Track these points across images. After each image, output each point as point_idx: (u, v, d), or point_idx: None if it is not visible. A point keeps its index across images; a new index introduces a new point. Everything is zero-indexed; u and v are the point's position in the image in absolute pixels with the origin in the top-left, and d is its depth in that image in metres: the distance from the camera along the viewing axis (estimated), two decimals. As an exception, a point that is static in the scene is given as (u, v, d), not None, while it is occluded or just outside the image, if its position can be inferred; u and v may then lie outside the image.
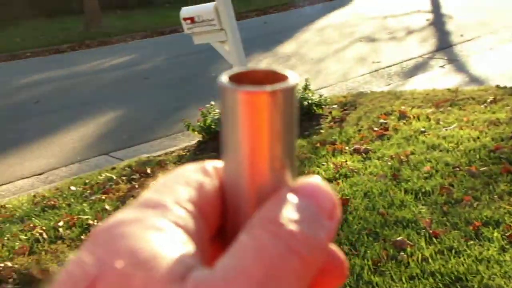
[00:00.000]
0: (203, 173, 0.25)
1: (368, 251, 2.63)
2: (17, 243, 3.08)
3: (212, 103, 4.64)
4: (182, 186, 0.24)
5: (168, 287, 0.19)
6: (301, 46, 9.33)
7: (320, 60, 8.00)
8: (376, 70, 6.83)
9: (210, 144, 4.46)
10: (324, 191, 0.24)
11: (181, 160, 4.20)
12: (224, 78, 0.22)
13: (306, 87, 4.94)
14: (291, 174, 0.24)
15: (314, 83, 6.33)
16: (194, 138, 4.70)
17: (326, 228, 0.23)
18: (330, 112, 4.95)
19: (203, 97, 6.01)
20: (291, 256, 0.21)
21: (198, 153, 4.38)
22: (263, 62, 8.32)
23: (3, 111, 6.81)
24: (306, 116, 4.78)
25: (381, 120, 4.50)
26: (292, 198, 0.23)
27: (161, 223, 0.21)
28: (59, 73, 9.25)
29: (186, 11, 4.56)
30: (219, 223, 0.25)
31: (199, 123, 4.52)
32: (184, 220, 0.22)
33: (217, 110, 4.55)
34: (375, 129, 4.31)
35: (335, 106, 5.17)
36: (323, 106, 4.97)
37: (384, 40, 8.71)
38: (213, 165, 0.26)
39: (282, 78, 0.23)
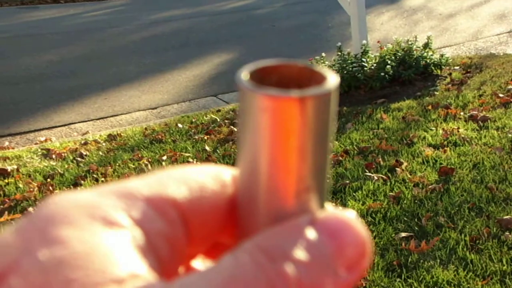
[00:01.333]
0: (214, 178, 0.21)
1: (467, 226, 2.45)
2: (126, 170, 3.35)
3: (323, 54, 4.51)
4: (176, 182, 0.20)
5: None
6: (431, -2, 8.61)
7: (449, 16, 7.33)
8: (515, 30, 6.11)
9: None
10: (353, 232, 0.18)
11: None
12: (244, 73, 0.18)
13: (426, 45, 4.58)
14: (319, 200, 0.19)
15: (438, 40, 5.86)
16: (300, 88, 4.64)
17: (339, 280, 0.18)
18: (450, 74, 4.56)
19: (314, 47, 5.89)
20: None
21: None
22: (385, 15, 7.84)
23: (131, 44, 7.29)
24: (421, 76, 4.47)
25: (510, 86, 4.05)
26: (307, 230, 0.18)
27: (116, 216, 0.18)
28: (184, 12, 9.61)
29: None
30: (214, 237, 0.21)
31: (307, 73, 4.44)
32: (151, 220, 0.19)
33: (326, 63, 4.43)
34: (500, 95, 3.90)
35: (457, 67, 4.75)
36: (442, 67, 4.59)
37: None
38: (233, 173, 0.22)
39: (319, 79, 0.18)
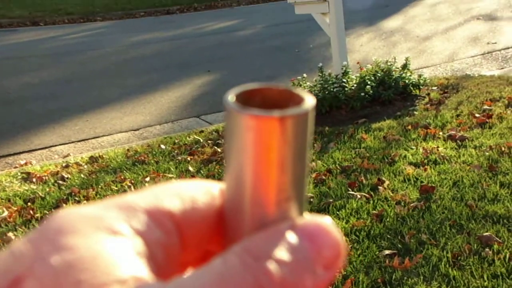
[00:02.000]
0: (204, 192, 0.23)
1: (449, 243, 2.48)
2: (108, 193, 3.32)
3: (304, 75, 4.58)
4: (170, 196, 0.22)
5: None
6: (407, 21, 8.83)
7: (426, 38, 7.53)
8: (489, 52, 6.29)
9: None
10: (329, 235, 0.20)
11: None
12: (230, 96, 0.20)
13: (405, 66, 4.69)
14: (298, 208, 0.21)
15: (416, 62, 6.00)
16: (282, 109, 4.68)
17: (317, 278, 0.20)
18: (428, 94, 4.67)
19: (296, 67, 5.97)
20: None
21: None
22: (364, 37, 8.01)
23: (112, 66, 7.29)
24: (400, 96, 4.56)
25: (485, 107, 4.16)
26: (288, 235, 0.20)
27: (119, 226, 0.20)
28: (165, 34, 9.67)
29: (290, -20, 4.55)
30: (204, 246, 0.23)
31: (288, 93, 4.49)
32: (149, 230, 0.21)
33: (308, 83, 4.49)
34: (477, 115, 3.99)
35: (435, 88, 4.86)
36: (421, 87, 4.69)
37: (506, 19, 7.97)
38: (221, 188, 0.24)
39: (297, 100, 0.20)
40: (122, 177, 3.51)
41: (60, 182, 3.54)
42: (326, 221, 0.21)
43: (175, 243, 0.22)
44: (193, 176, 3.42)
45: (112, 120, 5.09)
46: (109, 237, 0.19)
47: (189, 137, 4.20)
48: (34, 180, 3.60)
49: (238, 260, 0.19)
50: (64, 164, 3.87)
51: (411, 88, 4.64)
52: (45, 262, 0.18)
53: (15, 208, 3.14)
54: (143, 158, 3.84)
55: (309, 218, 0.21)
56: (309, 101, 0.20)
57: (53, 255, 0.18)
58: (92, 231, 0.19)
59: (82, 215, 0.20)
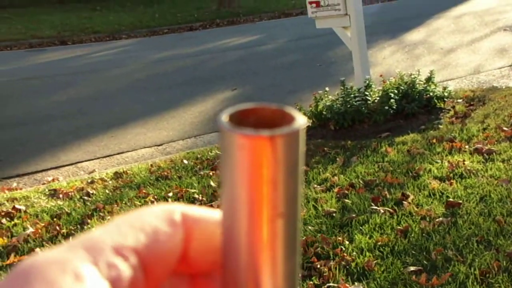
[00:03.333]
0: (167, 221, 0.24)
1: (477, 260, 2.42)
2: (132, 208, 3.35)
3: (327, 89, 4.57)
4: (133, 230, 0.23)
5: None
6: (431, 34, 8.75)
7: (450, 50, 7.44)
8: (516, 63, 6.17)
9: (319, 131, 4.41)
10: None
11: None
12: (224, 116, 0.21)
13: (429, 79, 4.63)
14: (292, 226, 0.22)
15: (440, 74, 5.93)
16: (304, 123, 4.67)
17: None
18: (453, 107, 4.59)
19: (318, 81, 5.96)
20: None
21: (306, 138, 4.36)
22: (386, 50, 7.97)
23: (137, 83, 7.41)
24: (424, 109, 4.50)
25: (513, 119, 4.07)
26: None
27: (84, 270, 0.20)
28: (188, 50, 9.80)
29: (312, -5, 4.58)
30: (167, 272, 0.24)
31: (310, 108, 4.49)
32: (117, 270, 0.21)
33: (330, 97, 4.48)
34: (505, 128, 3.91)
35: (460, 100, 4.78)
36: (445, 100, 4.62)
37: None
38: (183, 211, 0.24)
39: (289, 119, 0.21)
40: (145, 193, 3.55)
41: (86, 197, 3.60)
42: None
43: (140, 278, 0.22)
44: (214, 192, 3.43)
45: (136, 136, 5.17)
46: (76, 284, 0.20)
47: (211, 152, 4.23)
48: (60, 196, 3.67)
49: None
50: (89, 180, 3.93)
51: (436, 101, 4.57)
52: None
53: (42, 224, 3.20)
54: (166, 173, 3.87)
55: None
56: (300, 121, 0.21)
57: None
58: (59, 278, 0.20)
59: (48, 261, 0.21)
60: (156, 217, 0.24)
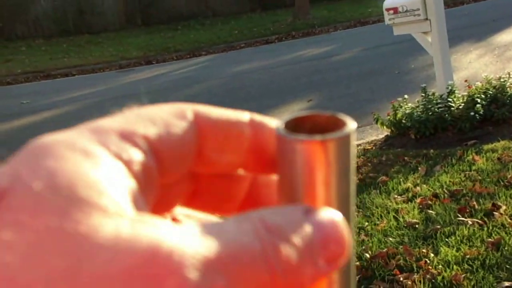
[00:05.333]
0: (179, 116, 0.23)
1: None
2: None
3: (406, 96, 4.41)
4: (142, 120, 0.22)
5: (88, 217, 0.17)
6: (523, 33, 8.19)
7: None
8: None
9: (399, 140, 4.26)
10: (339, 232, 0.21)
11: (365, 154, 4.11)
12: (280, 123, 0.23)
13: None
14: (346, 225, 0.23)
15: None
16: (382, 132, 4.54)
17: (318, 269, 0.20)
18: (549, 110, 4.24)
19: (397, 90, 5.78)
20: (261, 266, 0.19)
21: (385, 148, 4.22)
22: (472, 53, 7.56)
23: (214, 97, 7.63)
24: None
25: None
26: (303, 219, 0.20)
27: (94, 149, 0.20)
28: (264, 63, 9.94)
29: (390, 1, 4.50)
30: (183, 169, 0.23)
31: (389, 117, 4.35)
32: (128, 153, 0.20)
33: (409, 105, 4.31)
34: None
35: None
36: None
37: None
38: (195, 109, 0.23)
39: (341, 125, 0.22)
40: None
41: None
42: (338, 217, 0.21)
43: (153, 165, 0.21)
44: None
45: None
46: (86, 159, 0.19)
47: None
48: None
49: (252, 227, 0.19)
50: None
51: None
52: (26, 185, 0.18)
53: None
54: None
55: (325, 211, 0.21)
56: (351, 125, 0.22)
57: (33, 179, 0.18)
58: (68, 154, 0.19)
59: (57, 140, 0.20)
60: (167, 112, 0.23)
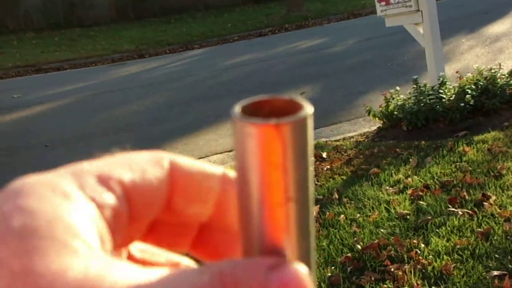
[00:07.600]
0: (155, 164, 0.24)
1: None
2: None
3: (397, 88, 4.43)
4: (120, 165, 0.23)
5: (61, 258, 0.19)
6: (515, 25, 8.22)
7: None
8: None
9: (391, 131, 4.27)
10: None
11: (358, 146, 4.12)
12: (237, 107, 0.22)
13: None
14: (304, 210, 0.22)
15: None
16: (375, 124, 4.56)
17: None
18: (540, 101, 4.26)
19: (390, 81, 5.79)
20: None
21: (377, 139, 4.24)
22: (464, 45, 7.58)
23: (209, 90, 7.61)
24: (508, 104, 4.22)
25: None
26: (265, 275, 0.20)
27: (72, 191, 0.21)
28: (258, 56, 9.92)
29: (382, -7, 4.48)
30: (152, 218, 0.24)
31: (381, 108, 4.36)
32: (102, 197, 0.22)
33: (401, 96, 4.33)
34: None
35: (548, 93, 4.43)
36: (531, 94, 4.30)
37: None
38: (171, 158, 0.24)
39: (299, 108, 0.22)
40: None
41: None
42: (303, 274, 0.20)
43: (124, 211, 0.22)
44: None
45: (208, 142, 5.29)
46: (65, 201, 0.20)
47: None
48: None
49: (209, 281, 0.19)
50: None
51: (519, 95, 4.27)
52: (6, 222, 0.19)
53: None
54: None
55: (290, 267, 0.21)
56: (307, 109, 0.22)
57: (14, 216, 0.19)
58: (50, 195, 0.20)
59: (39, 181, 0.21)
60: (145, 159, 0.24)
